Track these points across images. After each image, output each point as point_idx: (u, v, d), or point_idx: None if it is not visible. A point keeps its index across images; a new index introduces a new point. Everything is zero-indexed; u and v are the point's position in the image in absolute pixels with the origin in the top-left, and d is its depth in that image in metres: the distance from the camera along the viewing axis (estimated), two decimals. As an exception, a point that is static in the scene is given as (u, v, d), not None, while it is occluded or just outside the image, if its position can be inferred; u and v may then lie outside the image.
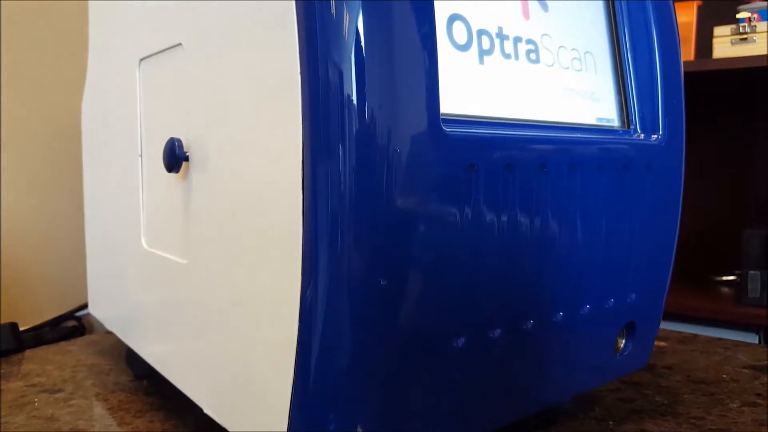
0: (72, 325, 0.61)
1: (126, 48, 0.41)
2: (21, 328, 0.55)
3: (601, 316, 0.35)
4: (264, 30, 0.26)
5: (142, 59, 0.38)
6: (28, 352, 0.53)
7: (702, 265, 1.37)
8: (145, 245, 0.39)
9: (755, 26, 1.08)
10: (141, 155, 0.39)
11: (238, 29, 0.28)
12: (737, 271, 1.25)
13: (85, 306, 0.58)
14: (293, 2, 0.24)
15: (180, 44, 0.33)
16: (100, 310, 0.50)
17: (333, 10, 0.23)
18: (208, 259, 0.31)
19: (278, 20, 0.25)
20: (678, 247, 0.39)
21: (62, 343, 0.55)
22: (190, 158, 0.32)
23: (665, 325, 0.52)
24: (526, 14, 0.32)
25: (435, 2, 0.26)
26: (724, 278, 1.32)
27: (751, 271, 1.11)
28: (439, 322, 0.27)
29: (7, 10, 0.61)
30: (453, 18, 0.29)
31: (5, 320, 0.57)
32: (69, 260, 0.65)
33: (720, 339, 0.57)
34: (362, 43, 0.24)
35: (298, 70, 0.24)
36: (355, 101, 0.24)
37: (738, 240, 1.14)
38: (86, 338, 0.57)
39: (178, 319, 0.35)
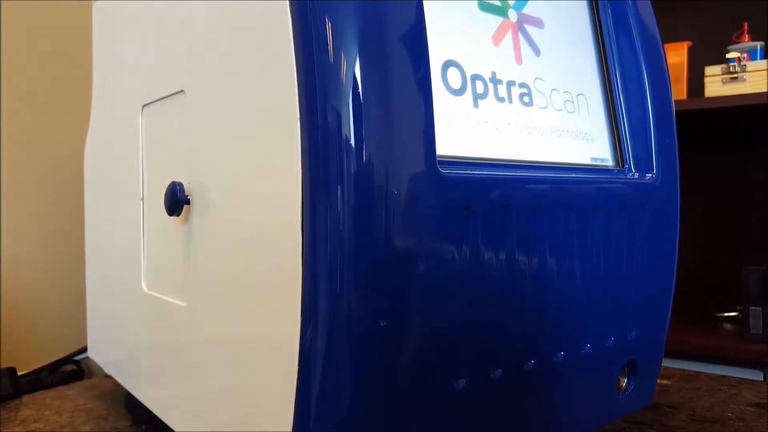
0: (71, 369, 0.60)
1: (129, 94, 0.41)
2: (19, 373, 0.55)
3: (602, 355, 0.35)
4: (264, 76, 0.27)
5: (144, 105, 0.39)
6: (25, 398, 0.52)
7: (704, 302, 1.37)
8: (145, 288, 0.39)
9: (745, 65, 1.10)
10: (143, 199, 0.40)
11: (239, 76, 0.29)
12: (739, 307, 1.24)
13: (83, 350, 0.58)
14: (292, 49, 0.25)
15: (182, 91, 0.34)
16: (99, 353, 0.50)
17: (331, 57, 0.24)
18: (209, 301, 0.31)
19: (278, 67, 0.25)
20: (679, 284, 0.39)
21: (60, 388, 0.55)
22: (191, 202, 0.33)
23: (668, 363, 0.52)
24: (518, 59, 0.33)
25: (430, 49, 0.27)
26: (726, 314, 1.31)
27: (753, 307, 1.10)
28: (439, 363, 0.27)
29: (8, 53, 0.62)
30: (447, 64, 0.29)
31: (4, 365, 0.57)
32: (68, 304, 0.65)
33: (724, 376, 0.56)
34: (359, 88, 0.24)
35: (298, 115, 0.24)
36: (353, 143, 0.24)
37: (739, 275, 1.14)
38: (85, 382, 0.57)
39: (178, 362, 0.35)
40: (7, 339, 0.61)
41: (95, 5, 0.49)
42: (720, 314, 1.32)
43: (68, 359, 0.61)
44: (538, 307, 0.31)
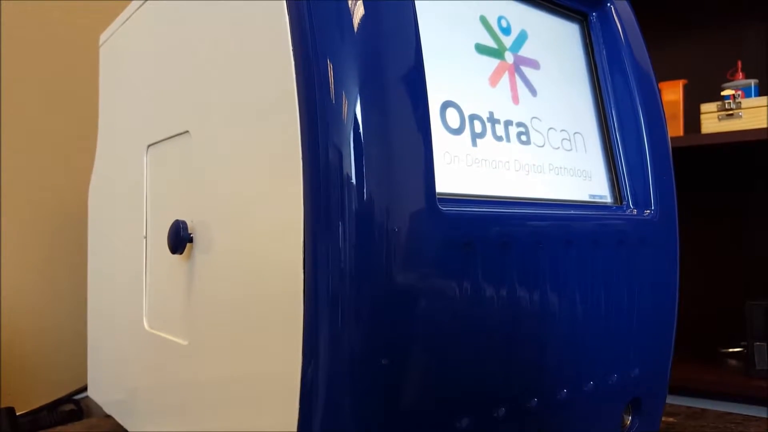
0: (70, 409, 0.59)
1: (134, 135, 0.42)
2: (18, 413, 0.54)
3: (606, 392, 0.35)
4: (267, 117, 0.27)
5: (149, 145, 0.40)
6: (23, 438, 0.52)
7: (708, 338, 1.35)
8: (146, 326, 0.39)
9: (740, 102, 1.12)
10: (146, 237, 0.40)
11: (242, 116, 0.29)
12: (743, 343, 1.23)
13: (83, 389, 0.57)
14: (295, 90, 0.25)
15: (187, 131, 0.34)
16: (99, 393, 0.50)
17: (332, 97, 0.25)
18: (210, 339, 0.31)
19: (281, 107, 0.26)
20: (683, 320, 0.39)
21: (59, 428, 0.54)
22: (194, 240, 0.33)
23: (674, 400, 0.51)
24: (515, 99, 0.33)
25: (429, 90, 0.28)
26: (731, 350, 1.30)
27: (757, 343, 1.09)
28: (442, 402, 0.27)
29: (12, 92, 0.63)
30: (446, 104, 0.30)
31: (2, 404, 0.56)
32: (67, 343, 0.65)
33: (729, 414, 0.56)
34: (360, 128, 0.25)
35: (300, 154, 0.25)
36: (354, 182, 0.24)
37: (742, 310, 1.13)
38: (84, 422, 0.56)
39: (179, 401, 0.35)
40: (6, 378, 0.61)
41: (102, 48, 0.50)
42: (724, 350, 1.31)
43: (68, 399, 0.60)
44: (540, 345, 0.31)
